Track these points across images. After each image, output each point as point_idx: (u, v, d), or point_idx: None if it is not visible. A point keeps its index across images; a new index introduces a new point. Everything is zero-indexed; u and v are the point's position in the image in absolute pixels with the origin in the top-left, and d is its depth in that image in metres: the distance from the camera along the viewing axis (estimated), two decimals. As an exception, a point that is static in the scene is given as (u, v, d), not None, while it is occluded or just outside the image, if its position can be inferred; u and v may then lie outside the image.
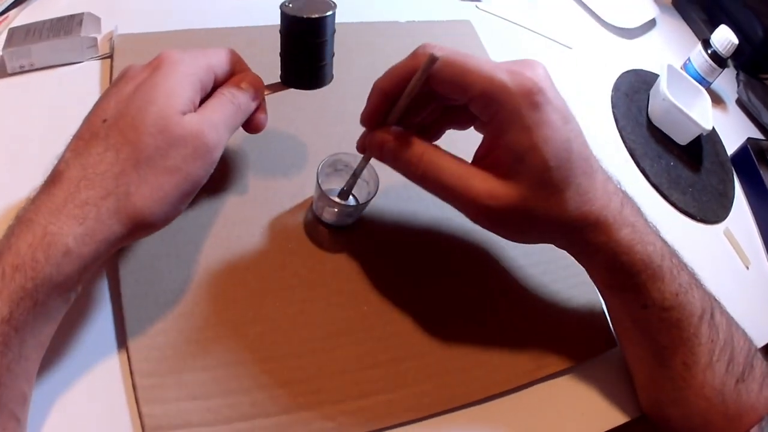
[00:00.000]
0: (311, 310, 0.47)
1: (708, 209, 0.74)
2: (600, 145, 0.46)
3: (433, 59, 0.36)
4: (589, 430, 0.50)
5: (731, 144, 0.86)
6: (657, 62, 0.88)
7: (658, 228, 0.46)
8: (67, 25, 0.57)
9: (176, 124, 0.36)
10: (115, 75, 0.54)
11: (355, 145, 0.45)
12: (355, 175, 0.46)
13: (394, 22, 0.69)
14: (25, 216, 0.33)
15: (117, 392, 0.41)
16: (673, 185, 0.74)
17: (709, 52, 0.83)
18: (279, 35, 0.46)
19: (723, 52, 0.82)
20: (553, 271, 0.56)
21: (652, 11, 0.97)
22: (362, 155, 0.45)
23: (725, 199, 0.78)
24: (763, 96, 0.94)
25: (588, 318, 0.55)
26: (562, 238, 0.44)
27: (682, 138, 0.78)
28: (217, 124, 0.39)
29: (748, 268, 0.73)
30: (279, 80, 0.48)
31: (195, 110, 0.39)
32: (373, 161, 0.45)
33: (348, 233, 0.52)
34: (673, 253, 0.46)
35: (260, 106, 0.45)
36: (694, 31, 1.03)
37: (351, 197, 0.52)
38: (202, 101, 0.41)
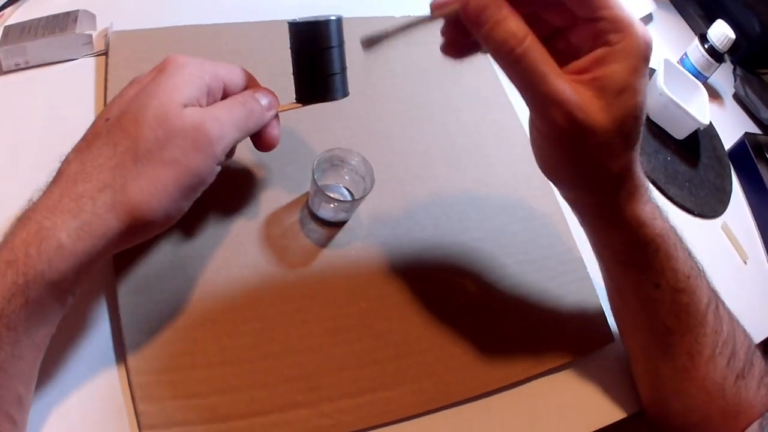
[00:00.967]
0: (308, 308, 0.47)
1: (705, 204, 0.74)
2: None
3: None
4: (587, 426, 0.50)
5: (728, 139, 0.86)
6: (654, 57, 0.88)
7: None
8: (62, 23, 0.57)
9: (176, 116, 0.36)
10: (111, 72, 0.55)
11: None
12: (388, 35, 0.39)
13: (389, 17, 0.69)
14: (24, 214, 0.33)
15: (114, 390, 0.41)
16: (670, 180, 0.74)
17: (706, 46, 0.83)
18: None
19: (720, 47, 0.82)
20: (552, 268, 0.56)
21: (649, 6, 0.97)
22: (420, 22, 0.38)
23: (722, 194, 0.78)
24: (760, 91, 0.94)
25: (585, 314, 0.55)
26: (600, 192, 0.41)
27: (680, 133, 0.78)
28: (221, 119, 0.38)
29: (745, 262, 0.73)
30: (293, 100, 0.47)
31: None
32: (368, 156, 0.44)
33: (344, 229, 0.52)
34: (682, 238, 0.45)
35: (273, 122, 0.44)
36: (690, 26, 1.03)
37: (346, 192, 0.51)
38: None
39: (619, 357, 0.53)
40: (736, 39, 0.83)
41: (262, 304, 0.46)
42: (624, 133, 0.37)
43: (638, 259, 0.44)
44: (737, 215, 0.78)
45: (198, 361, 0.43)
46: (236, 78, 0.42)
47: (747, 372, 0.46)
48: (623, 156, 0.39)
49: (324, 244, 0.51)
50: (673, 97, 0.74)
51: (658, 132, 0.79)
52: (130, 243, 0.37)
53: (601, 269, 0.49)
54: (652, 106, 0.79)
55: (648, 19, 0.98)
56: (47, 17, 0.57)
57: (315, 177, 0.47)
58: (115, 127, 0.35)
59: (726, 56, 0.88)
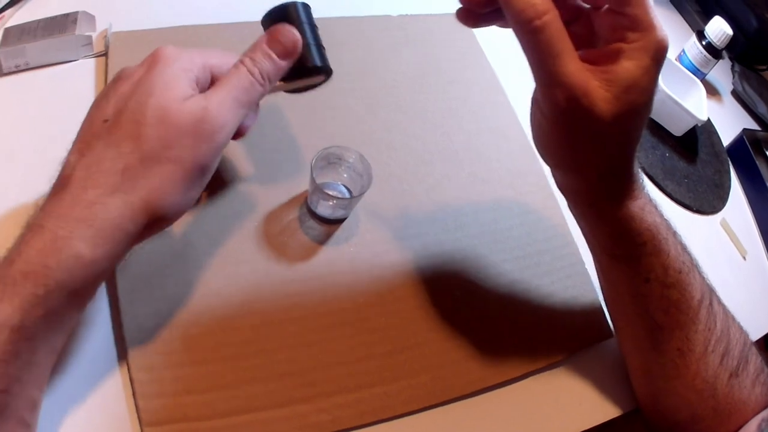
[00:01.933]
0: (306, 303, 0.47)
1: (704, 200, 0.75)
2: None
3: None
4: (584, 423, 0.50)
5: (727, 135, 0.86)
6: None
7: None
8: (61, 24, 0.57)
9: (176, 111, 0.35)
10: (111, 73, 0.55)
11: None
12: None
13: (386, 16, 0.69)
14: (35, 222, 0.33)
15: (114, 387, 0.41)
16: (668, 176, 0.74)
17: (704, 43, 0.83)
18: None
19: (717, 44, 0.82)
20: (548, 262, 0.57)
21: (646, 4, 0.97)
22: None
23: (721, 190, 0.78)
24: (759, 87, 0.94)
25: (583, 309, 0.55)
26: (592, 179, 0.41)
27: (677, 129, 0.78)
28: (223, 101, 0.37)
29: (744, 258, 0.73)
30: None
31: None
32: (366, 154, 0.44)
33: (343, 227, 0.53)
34: (676, 234, 0.45)
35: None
36: (688, 23, 1.03)
37: (344, 189, 0.52)
38: None
39: (616, 353, 0.53)
40: (733, 35, 0.83)
41: (260, 301, 0.47)
42: (625, 129, 0.37)
43: (627, 252, 0.44)
44: (736, 211, 0.78)
45: (197, 358, 0.43)
46: (227, 66, 0.41)
47: (741, 370, 0.46)
48: (620, 150, 0.39)
49: (322, 241, 0.51)
50: (671, 94, 0.74)
51: (656, 128, 0.79)
52: (146, 237, 0.37)
53: (593, 260, 0.49)
54: (649, 102, 0.79)
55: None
56: (46, 19, 0.57)
57: (313, 175, 0.47)
58: (116, 128, 0.35)
59: (724, 53, 0.88)
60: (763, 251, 0.76)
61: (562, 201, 0.60)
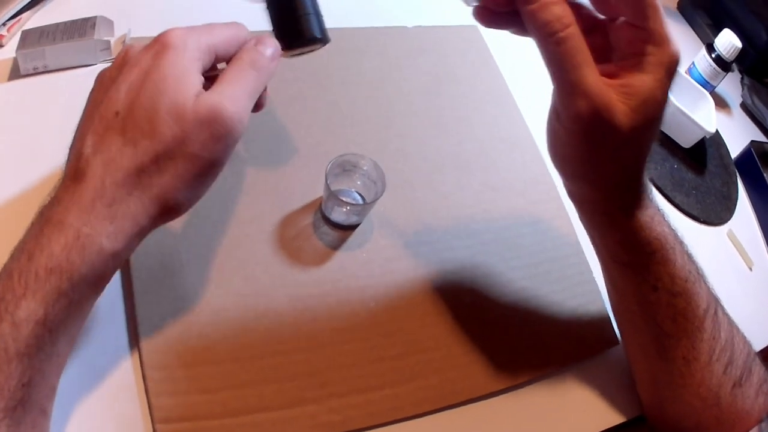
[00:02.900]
0: (319, 307, 0.48)
1: (711, 211, 0.75)
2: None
3: None
4: (590, 427, 0.51)
5: (735, 147, 0.86)
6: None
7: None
8: (80, 28, 0.58)
9: (191, 110, 0.35)
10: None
11: None
12: None
13: (402, 27, 0.70)
14: (54, 216, 0.33)
15: (128, 384, 0.42)
16: (676, 187, 0.74)
17: (713, 56, 0.84)
18: None
19: (727, 56, 0.83)
20: (557, 270, 0.57)
21: (656, 15, 0.97)
22: None
23: (729, 202, 0.78)
24: (768, 100, 0.95)
25: (590, 317, 0.56)
26: (606, 189, 0.42)
27: (686, 141, 0.78)
28: (237, 96, 0.37)
29: (751, 269, 0.73)
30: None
31: (206, 88, 0.38)
32: (380, 161, 0.45)
33: (356, 233, 0.53)
34: (683, 243, 0.46)
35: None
36: (698, 36, 1.04)
37: (358, 196, 0.53)
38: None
39: (622, 360, 0.54)
40: (744, 48, 0.83)
41: (274, 303, 0.47)
42: (640, 141, 0.38)
43: (635, 260, 0.44)
44: (743, 222, 0.78)
45: (210, 357, 0.44)
46: (231, 45, 0.40)
47: (745, 380, 0.46)
48: (634, 162, 0.40)
49: (336, 246, 0.52)
50: (680, 106, 0.74)
51: (665, 140, 0.79)
52: (157, 226, 0.38)
53: (601, 268, 0.49)
54: (659, 114, 0.80)
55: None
56: (65, 22, 0.58)
57: (328, 181, 0.48)
58: (129, 123, 0.35)
59: (733, 65, 0.88)
60: (770, 263, 0.76)
61: (571, 210, 0.60)
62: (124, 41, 0.59)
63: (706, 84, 0.85)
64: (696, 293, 0.45)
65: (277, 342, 0.46)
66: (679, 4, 1.09)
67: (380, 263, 0.52)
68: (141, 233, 0.36)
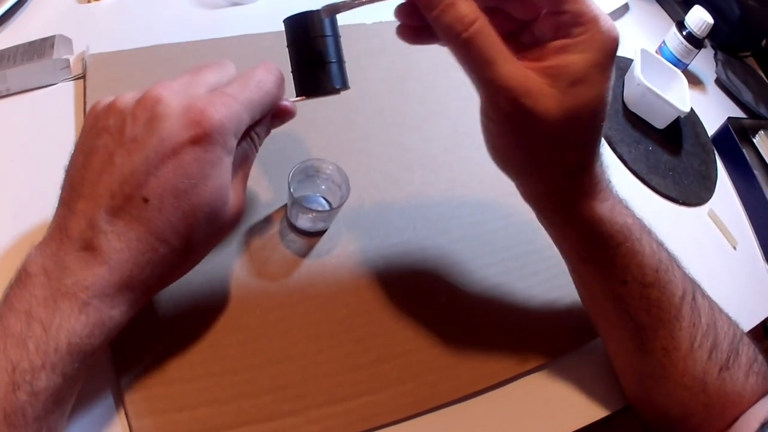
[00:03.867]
0: (290, 317, 0.48)
1: (690, 192, 0.75)
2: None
3: None
4: (575, 423, 0.50)
5: (712, 125, 0.86)
6: (631, 47, 0.88)
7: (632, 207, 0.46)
8: (39, 49, 0.58)
9: (224, 215, 0.37)
10: (89, 94, 0.55)
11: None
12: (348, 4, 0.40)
13: (361, 24, 0.69)
14: (71, 291, 0.32)
15: (107, 407, 0.42)
16: (652, 170, 0.74)
17: (684, 33, 0.84)
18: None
19: (698, 33, 0.82)
20: (533, 264, 0.57)
21: (625, -5, 0.97)
22: None
23: (708, 181, 0.78)
24: (743, 74, 0.94)
25: (569, 310, 0.55)
26: (550, 181, 0.41)
27: (660, 122, 0.78)
28: (244, 194, 0.41)
29: (735, 248, 0.73)
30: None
31: None
32: (345, 164, 0.44)
33: (324, 238, 0.53)
34: (651, 231, 0.45)
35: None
36: (668, 14, 1.03)
37: (324, 201, 0.52)
38: None
39: (604, 352, 0.53)
40: (716, 24, 0.83)
41: (245, 316, 0.47)
42: (577, 126, 0.36)
43: (598, 255, 0.43)
44: (724, 201, 0.78)
45: (185, 375, 0.43)
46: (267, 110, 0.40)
47: (732, 362, 0.45)
48: (576, 150, 0.39)
49: (304, 254, 0.51)
50: (651, 86, 0.74)
51: (637, 122, 0.79)
52: None
53: (567, 267, 0.48)
54: (630, 96, 0.79)
55: (624, 9, 0.98)
56: (25, 44, 0.58)
57: (291, 189, 0.47)
58: (160, 217, 0.34)
59: (706, 41, 0.88)
60: (754, 240, 0.76)
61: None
62: (83, 58, 0.59)
63: (678, 62, 0.84)
64: (669, 281, 0.44)
65: (251, 355, 0.45)
66: (648, -18, 1.09)
67: (350, 268, 0.52)
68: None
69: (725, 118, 0.84)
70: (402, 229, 0.56)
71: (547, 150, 0.38)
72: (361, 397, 0.46)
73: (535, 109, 0.35)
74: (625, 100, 0.80)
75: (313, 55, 0.42)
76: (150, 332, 0.44)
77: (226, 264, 0.49)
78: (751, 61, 1.03)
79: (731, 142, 0.82)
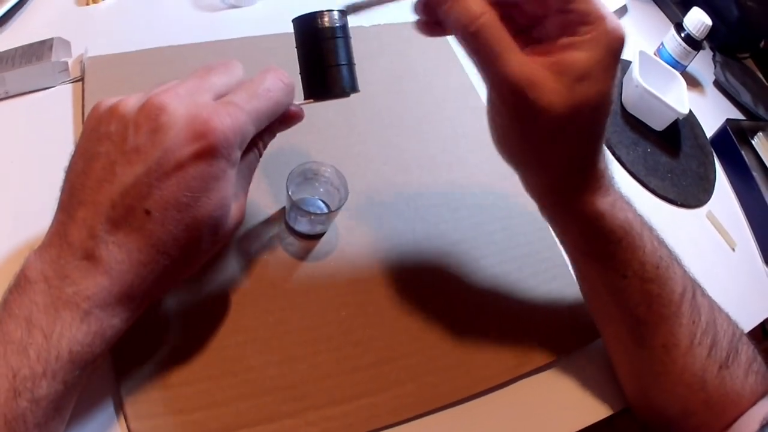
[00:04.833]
0: (290, 319, 0.48)
1: (689, 193, 0.75)
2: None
3: None
4: (575, 424, 0.50)
5: (710, 126, 0.86)
6: (629, 49, 0.88)
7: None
8: (38, 51, 0.58)
9: (226, 226, 0.37)
10: (88, 97, 0.55)
11: None
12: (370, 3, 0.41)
13: (359, 27, 0.69)
14: (72, 300, 0.32)
15: (107, 410, 0.42)
16: (651, 172, 0.74)
17: (683, 35, 0.84)
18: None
19: (696, 35, 0.82)
20: (532, 265, 0.57)
21: (623, -3, 0.97)
22: None
23: (706, 183, 0.78)
24: (741, 75, 0.94)
25: (568, 311, 0.55)
26: (552, 174, 0.41)
27: (658, 124, 0.78)
28: (246, 197, 0.41)
29: (734, 249, 0.73)
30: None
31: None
32: (343, 166, 0.44)
33: (323, 241, 0.53)
34: (652, 228, 0.45)
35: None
36: (667, 15, 1.03)
37: (322, 204, 0.52)
38: None
39: (604, 354, 0.53)
40: (714, 25, 0.83)
41: (245, 319, 0.47)
42: (580, 121, 0.37)
43: (599, 249, 0.44)
44: (722, 203, 0.78)
45: (184, 378, 0.43)
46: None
47: (732, 361, 0.45)
48: (581, 145, 0.39)
49: (303, 256, 0.51)
50: (649, 88, 0.74)
51: (636, 124, 0.79)
52: None
53: (570, 262, 0.49)
54: (628, 98, 0.79)
55: (623, 11, 0.98)
56: (23, 47, 0.58)
57: (289, 191, 0.47)
58: (163, 230, 0.34)
59: (705, 43, 0.88)
60: (752, 241, 0.76)
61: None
62: (81, 61, 0.59)
63: (676, 64, 0.85)
64: (669, 278, 0.44)
65: (250, 357, 0.45)
66: (646, -16, 1.09)
67: (348, 271, 0.52)
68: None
69: (723, 120, 0.84)
70: (401, 231, 0.56)
71: (550, 143, 0.38)
72: (360, 398, 0.46)
73: (539, 102, 0.35)
74: (623, 102, 0.80)
75: (324, 57, 0.41)
76: (149, 336, 0.44)
77: (226, 267, 0.49)
78: (750, 63, 1.03)
79: (730, 143, 0.82)
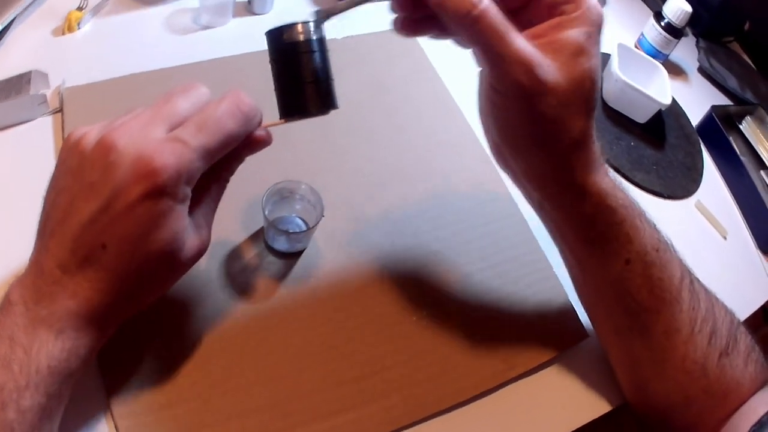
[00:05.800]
0: (273, 337, 0.48)
1: (676, 185, 0.74)
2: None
3: None
4: (569, 424, 0.50)
5: (696, 115, 0.85)
6: (608, 41, 0.87)
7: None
8: (16, 85, 0.58)
9: (181, 257, 0.38)
10: (67, 128, 0.56)
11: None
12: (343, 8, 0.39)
13: (331, 39, 0.69)
14: (45, 319, 0.35)
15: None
16: (635, 166, 0.74)
17: (663, 24, 0.83)
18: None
19: (677, 22, 0.82)
20: (515, 270, 0.57)
21: (603, -11, 0.96)
22: None
23: (693, 172, 0.77)
24: (727, 60, 0.94)
25: (556, 312, 0.55)
26: (559, 156, 0.41)
27: (641, 116, 0.78)
28: (210, 224, 0.42)
29: (725, 238, 0.72)
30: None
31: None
32: (319, 182, 0.43)
33: (303, 258, 0.53)
34: (645, 212, 0.46)
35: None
36: (647, 4, 1.02)
37: (300, 221, 0.52)
38: None
39: (595, 352, 0.53)
40: (696, 11, 0.82)
41: (228, 339, 0.47)
42: (582, 94, 0.39)
43: (604, 232, 0.43)
44: (711, 191, 0.77)
45: (173, 399, 0.44)
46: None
47: (731, 349, 0.45)
48: (582, 119, 0.40)
49: (284, 275, 0.52)
50: (629, 81, 0.74)
51: (618, 118, 0.79)
52: None
53: (564, 257, 0.48)
54: (609, 92, 0.79)
55: (601, 3, 0.98)
56: (1, 82, 0.58)
57: (266, 211, 0.48)
58: (120, 265, 0.36)
59: (687, 30, 0.87)
60: (744, 227, 0.75)
61: (523, 207, 0.60)
62: (59, 92, 0.60)
63: (658, 54, 0.84)
64: (669, 261, 0.45)
65: (236, 378, 0.46)
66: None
67: (329, 286, 0.52)
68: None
69: (710, 107, 0.83)
70: (379, 245, 0.56)
71: (553, 121, 0.39)
72: (347, 412, 0.46)
73: (546, 79, 0.37)
74: (604, 96, 0.80)
75: (299, 73, 0.39)
76: (137, 359, 0.45)
77: (208, 289, 0.49)
78: (735, 46, 1.02)
79: (716, 130, 0.81)
